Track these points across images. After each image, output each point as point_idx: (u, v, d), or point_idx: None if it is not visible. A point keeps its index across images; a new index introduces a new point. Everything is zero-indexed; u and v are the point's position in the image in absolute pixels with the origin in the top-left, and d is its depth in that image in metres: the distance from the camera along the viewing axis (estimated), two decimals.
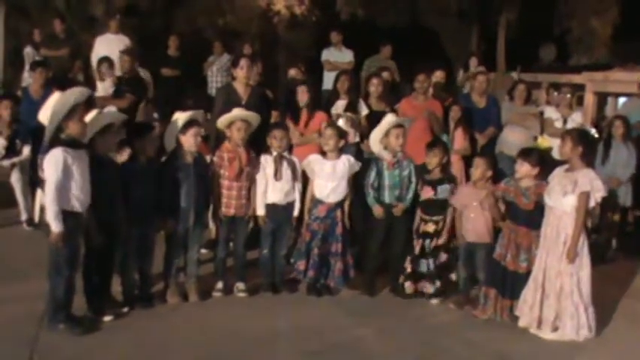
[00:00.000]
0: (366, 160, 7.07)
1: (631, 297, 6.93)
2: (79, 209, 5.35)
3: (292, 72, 9.51)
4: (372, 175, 6.65)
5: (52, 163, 5.20)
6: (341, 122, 7.61)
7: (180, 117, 6.17)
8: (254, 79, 8.14)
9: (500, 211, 6.29)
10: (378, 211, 6.62)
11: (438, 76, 9.24)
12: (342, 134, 6.75)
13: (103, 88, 9.52)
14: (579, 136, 5.92)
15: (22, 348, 5.09)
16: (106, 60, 9.84)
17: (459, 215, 6.48)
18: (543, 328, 5.83)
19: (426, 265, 6.53)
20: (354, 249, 6.96)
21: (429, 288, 6.51)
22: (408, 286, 6.56)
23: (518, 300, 5.99)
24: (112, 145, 5.93)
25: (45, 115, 5.32)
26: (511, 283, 6.05)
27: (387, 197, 6.64)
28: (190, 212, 6.13)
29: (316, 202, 6.58)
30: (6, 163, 8.26)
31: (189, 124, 6.12)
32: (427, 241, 6.54)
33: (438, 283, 6.50)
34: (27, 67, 11.11)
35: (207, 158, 6.54)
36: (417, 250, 6.56)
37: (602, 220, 8.74)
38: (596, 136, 9.05)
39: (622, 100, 12.12)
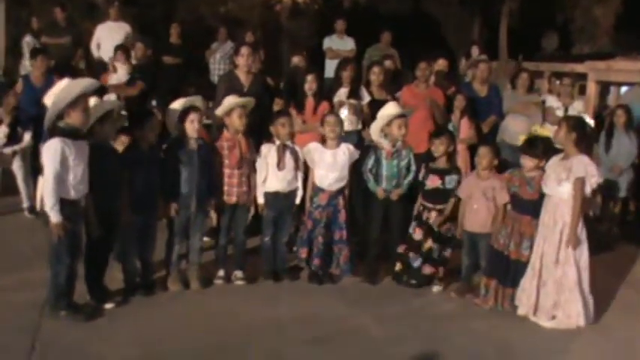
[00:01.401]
0: (366, 148, 7.07)
1: (631, 286, 6.92)
2: (76, 197, 5.35)
3: (295, 59, 9.47)
4: (371, 161, 6.67)
5: (50, 153, 5.19)
6: (344, 110, 7.60)
7: (177, 104, 6.17)
8: (256, 67, 8.12)
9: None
10: (381, 193, 6.62)
11: (441, 64, 9.20)
12: (342, 122, 6.76)
13: (117, 76, 9.55)
14: (574, 122, 5.93)
15: (24, 335, 5.10)
16: (121, 47, 9.88)
17: (462, 205, 6.49)
18: (539, 315, 5.84)
19: (436, 252, 6.55)
20: (356, 237, 6.97)
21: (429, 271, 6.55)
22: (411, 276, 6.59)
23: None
24: (111, 132, 5.92)
25: (49, 100, 5.33)
26: (513, 272, 6.04)
27: (384, 187, 6.65)
28: (192, 199, 6.13)
29: (317, 190, 6.58)
30: (7, 150, 8.26)
31: (186, 110, 6.13)
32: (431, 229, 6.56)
33: (441, 271, 6.55)
34: (26, 55, 11.09)
35: None
36: (418, 236, 6.55)
37: (603, 209, 8.75)
38: (592, 124, 9.02)
39: (625, 89, 12.09)
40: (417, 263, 6.56)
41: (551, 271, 5.78)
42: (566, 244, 5.72)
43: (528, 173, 6.08)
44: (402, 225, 6.71)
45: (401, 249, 6.63)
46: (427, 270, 6.55)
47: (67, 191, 5.27)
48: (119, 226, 5.83)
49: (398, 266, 6.64)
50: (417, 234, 6.59)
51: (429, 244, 6.55)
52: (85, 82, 5.46)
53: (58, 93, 5.30)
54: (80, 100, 5.29)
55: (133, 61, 9.92)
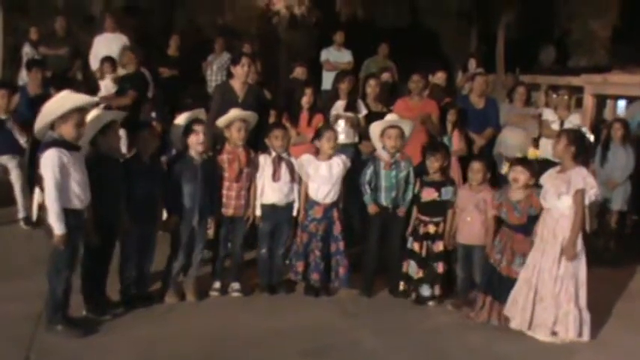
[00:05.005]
0: (364, 161, 7.05)
1: (628, 300, 6.91)
2: (80, 207, 5.32)
3: (298, 71, 9.45)
4: (369, 173, 6.63)
5: (49, 164, 5.13)
6: (341, 122, 7.59)
7: (181, 119, 6.18)
8: (252, 78, 8.12)
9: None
10: (372, 209, 6.60)
11: (440, 77, 9.22)
12: (337, 136, 6.76)
13: (106, 87, 9.54)
14: (574, 136, 5.93)
15: (19, 346, 5.08)
16: (108, 59, 9.88)
17: (454, 217, 6.49)
18: (538, 331, 5.80)
19: (433, 267, 6.51)
20: (353, 249, 6.94)
21: (426, 290, 6.51)
22: (413, 291, 6.56)
23: None
24: (116, 143, 5.90)
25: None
26: (507, 288, 6.00)
27: (383, 199, 6.62)
28: (194, 213, 6.13)
29: (312, 203, 6.55)
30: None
31: (190, 123, 6.13)
32: (429, 242, 6.53)
33: (437, 289, 6.51)
34: None
35: None
36: (423, 253, 6.52)
37: (600, 223, 8.73)
38: (591, 138, 9.03)
39: (621, 102, 12.09)
40: (419, 274, 6.52)
41: (549, 286, 5.75)
42: (563, 254, 5.71)
43: (514, 197, 6.08)
44: (401, 239, 6.68)
45: (404, 267, 6.60)
46: (426, 292, 6.51)
47: (70, 200, 5.23)
48: (119, 236, 5.82)
49: (402, 286, 6.60)
50: (416, 248, 6.57)
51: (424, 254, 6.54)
52: (77, 98, 5.37)
53: (50, 104, 5.26)
54: (72, 115, 5.21)
55: (122, 72, 9.91)
